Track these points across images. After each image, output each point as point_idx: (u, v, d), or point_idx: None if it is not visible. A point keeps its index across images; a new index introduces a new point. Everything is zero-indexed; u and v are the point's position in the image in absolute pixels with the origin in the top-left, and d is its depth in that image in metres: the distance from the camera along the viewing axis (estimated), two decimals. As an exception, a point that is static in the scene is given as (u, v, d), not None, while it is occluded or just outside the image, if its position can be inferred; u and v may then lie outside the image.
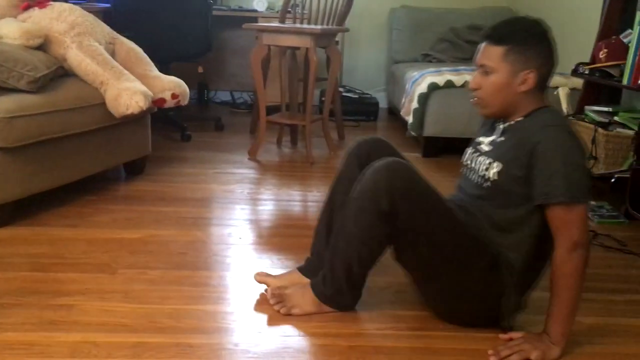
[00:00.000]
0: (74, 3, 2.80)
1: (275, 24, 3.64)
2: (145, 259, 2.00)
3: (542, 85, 1.54)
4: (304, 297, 1.67)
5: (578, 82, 3.33)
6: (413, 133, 3.63)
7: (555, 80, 3.54)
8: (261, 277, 1.82)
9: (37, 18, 2.56)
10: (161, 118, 3.56)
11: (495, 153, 1.57)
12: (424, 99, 3.51)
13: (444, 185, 1.73)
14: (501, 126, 1.60)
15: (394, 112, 4.67)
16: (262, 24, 3.67)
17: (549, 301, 1.51)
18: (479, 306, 1.60)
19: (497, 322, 1.61)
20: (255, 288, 1.82)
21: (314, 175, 3.13)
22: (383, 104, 4.98)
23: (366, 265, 1.62)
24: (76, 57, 2.50)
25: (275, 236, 2.30)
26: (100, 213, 2.40)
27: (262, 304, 1.74)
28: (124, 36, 2.87)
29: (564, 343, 1.51)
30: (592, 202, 2.73)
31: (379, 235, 1.54)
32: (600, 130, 2.77)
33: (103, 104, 2.48)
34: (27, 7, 2.63)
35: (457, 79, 3.47)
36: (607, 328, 1.71)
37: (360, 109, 4.64)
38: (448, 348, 1.56)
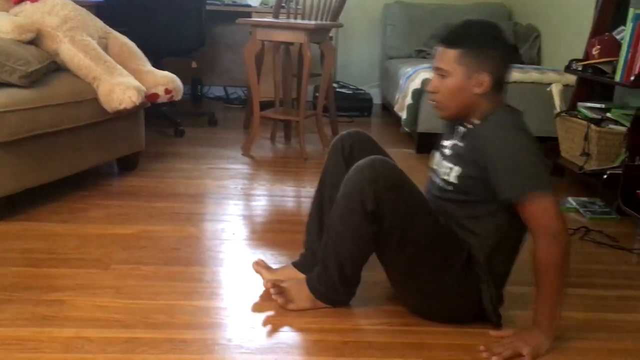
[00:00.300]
0: (66, -3, 2.78)
1: (269, 19, 3.63)
2: (138, 254, 2.00)
3: (498, 87, 1.55)
4: (300, 293, 1.68)
5: (571, 79, 3.34)
6: (407, 129, 3.63)
7: (548, 76, 3.57)
8: (258, 267, 1.83)
9: (29, 12, 2.54)
10: (154, 113, 3.55)
11: (455, 158, 1.59)
12: (417, 94, 3.51)
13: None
14: (461, 129, 1.62)
15: (387, 108, 4.67)
16: (255, 19, 3.65)
17: (535, 294, 1.52)
18: (459, 302, 1.62)
19: (480, 318, 1.62)
20: (248, 283, 1.82)
21: (308, 171, 3.13)
22: (377, 99, 4.99)
23: (358, 264, 1.62)
24: (68, 52, 2.49)
25: (269, 232, 2.30)
26: (93, 208, 2.39)
27: (255, 299, 1.75)
28: (117, 31, 2.85)
29: (553, 334, 1.53)
30: (584, 198, 2.75)
31: (367, 234, 1.54)
32: (592, 126, 2.78)
33: (96, 99, 2.48)
34: (19, 1, 2.61)
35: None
36: (599, 323, 1.72)
37: (354, 105, 4.64)
38: (441, 343, 1.57)
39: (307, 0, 3.72)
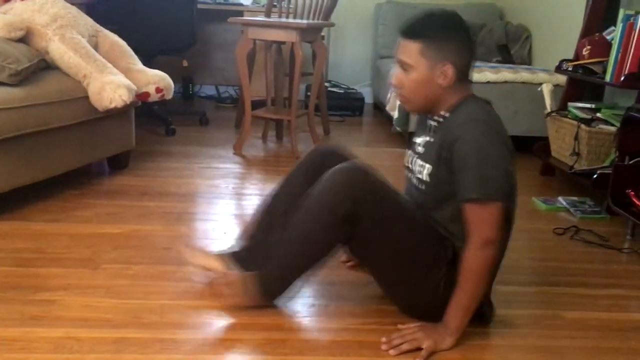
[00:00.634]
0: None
1: (260, 18, 3.62)
2: (128, 254, 1.99)
3: (463, 77, 1.54)
4: (247, 287, 1.61)
5: (562, 79, 3.36)
6: (398, 128, 3.63)
7: (539, 76, 3.58)
8: (194, 252, 1.81)
9: (19, 10, 2.52)
10: (145, 112, 3.53)
11: (426, 155, 1.59)
12: (409, 94, 3.51)
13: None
14: (431, 123, 1.61)
15: (379, 108, 4.67)
16: (247, 18, 3.65)
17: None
18: (447, 300, 1.61)
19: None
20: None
21: (299, 170, 3.12)
22: (368, 99, 4.99)
23: (314, 264, 1.61)
24: (58, 50, 2.47)
25: (260, 231, 2.30)
26: (83, 208, 2.38)
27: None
28: (108, 29, 2.84)
29: (458, 334, 1.51)
30: (574, 198, 2.76)
31: (338, 236, 1.54)
32: (583, 126, 2.79)
33: (86, 97, 2.46)
34: (8, -1, 2.59)
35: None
36: (588, 322, 1.73)
37: (346, 104, 4.64)
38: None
39: (299, -1, 3.72)
